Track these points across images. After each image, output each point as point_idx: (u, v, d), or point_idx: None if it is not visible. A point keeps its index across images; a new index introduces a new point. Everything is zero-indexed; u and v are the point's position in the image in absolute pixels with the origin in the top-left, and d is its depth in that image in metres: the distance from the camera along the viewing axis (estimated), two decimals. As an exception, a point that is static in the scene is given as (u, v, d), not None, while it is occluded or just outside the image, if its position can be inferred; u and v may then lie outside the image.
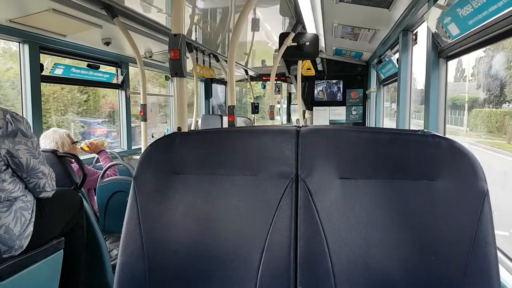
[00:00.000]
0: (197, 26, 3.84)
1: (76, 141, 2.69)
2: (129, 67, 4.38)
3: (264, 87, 8.01)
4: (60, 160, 2.19)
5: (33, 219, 1.78)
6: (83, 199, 2.18)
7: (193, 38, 4.11)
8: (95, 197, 2.82)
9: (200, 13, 3.45)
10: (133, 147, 4.58)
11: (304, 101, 6.10)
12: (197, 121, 5.96)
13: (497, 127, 3.59)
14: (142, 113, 3.61)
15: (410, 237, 0.87)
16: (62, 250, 1.97)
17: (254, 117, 7.49)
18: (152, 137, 5.18)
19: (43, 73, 3.09)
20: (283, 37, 3.66)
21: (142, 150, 3.82)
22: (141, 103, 3.63)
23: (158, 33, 3.60)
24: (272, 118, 4.34)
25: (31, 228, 1.77)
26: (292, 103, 8.09)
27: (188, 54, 4.17)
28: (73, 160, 2.34)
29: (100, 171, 2.82)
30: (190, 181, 0.99)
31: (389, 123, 5.09)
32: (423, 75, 2.52)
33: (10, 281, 1.66)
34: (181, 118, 1.74)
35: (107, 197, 2.73)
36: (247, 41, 4.68)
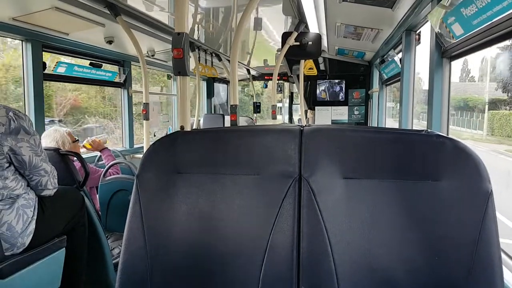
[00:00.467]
0: (200, 25, 3.84)
1: (77, 139, 2.70)
2: (131, 65, 4.39)
3: (266, 86, 8.00)
4: (63, 158, 2.19)
5: (35, 217, 1.79)
6: (85, 197, 2.18)
7: (195, 37, 4.11)
8: (97, 196, 2.83)
9: (202, 12, 3.44)
10: (135, 146, 4.59)
11: (306, 101, 6.09)
12: (199, 120, 5.96)
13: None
14: (145, 112, 3.61)
15: (414, 237, 0.87)
16: (64, 248, 1.97)
17: (255, 117, 7.49)
18: (154, 135, 5.18)
19: (46, 71, 3.09)
20: (285, 36, 3.65)
21: (145, 149, 3.83)
22: (143, 102, 3.63)
23: (161, 32, 3.59)
24: (274, 117, 4.34)
25: (33, 226, 1.77)
26: (293, 102, 8.08)
27: (190, 53, 4.17)
28: (75, 158, 2.34)
29: (102, 169, 2.82)
30: (192, 180, 0.99)
31: (393, 124, 5.07)
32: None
33: (12, 279, 1.66)
34: (184, 117, 1.73)
35: (109, 196, 2.73)
36: (249, 40, 4.67)
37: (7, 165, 1.70)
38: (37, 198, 1.83)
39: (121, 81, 4.29)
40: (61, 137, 2.58)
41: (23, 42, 2.92)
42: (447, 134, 2.35)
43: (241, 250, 0.93)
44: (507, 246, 1.57)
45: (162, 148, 1.03)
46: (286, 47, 3.61)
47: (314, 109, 6.21)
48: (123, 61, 4.25)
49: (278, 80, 6.72)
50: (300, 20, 3.57)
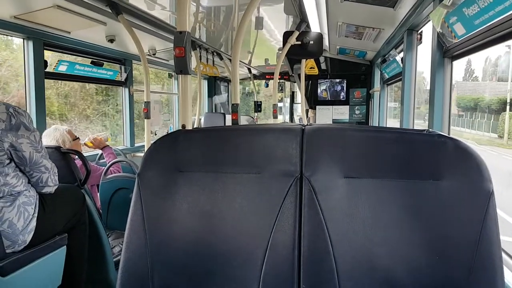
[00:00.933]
0: (201, 24, 3.84)
1: (78, 138, 2.70)
2: (133, 64, 4.39)
3: (267, 85, 8.00)
4: (64, 156, 2.20)
5: (36, 214, 1.79)
6: (86, 195, 2.18)
7: (197, 36, 4.11)
8: (98, 194, 2.83)
9: (204, 11, 3.44)
10: (136, 144, 4.59)
11: (307, 100, 6.08)
12: (200, 119, 5.96)
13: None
14: (146, 111, 3.62)
15: (415, 237, 0.87)
16: (65, 246, 1.97)
17: (256, 116, 7.49)
18: (155, 134, 5.19)
19: (47, 69, 3.10)
20: (287, 35, 3.65)
21: (146, 148, 3.83)
22: (145, 100, 3.63)
23: (162, 31, 3.60)
24: (275, 117, 4.35)
25: (34, 223, 1.78)
26: (294, 102, 8.08)
27: (191, 52, 4.17)
28: (76, 156, 2.35)
29: (103, 167, 2.83)
30: (194, 178, 0.99)
31: (395, 125, 5.06)
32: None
33: (13, 277, 1.67)
34: (185, 116, 1.74)
35: (110, 194, 2.73)
36: (250, 39, 4.67)
37: (7, 161, 1.70)
38: (38, 196, 1.84)
39: (122, 80, 4.30)
40: (61, 136, 2.59)
41: (25, 40, 2.92)
42: (449, 134, 2.35)
43: (242, 249, 0.93)
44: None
45: (163, 146, 1.03)
46: (288, 46, 3.61)
47: (315, 109, 6.21)
48: (124, 60, 4.26)
49: (279, 79, 6.72)
50: (301, 19, 3.56)
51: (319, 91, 6.17)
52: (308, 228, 0.91)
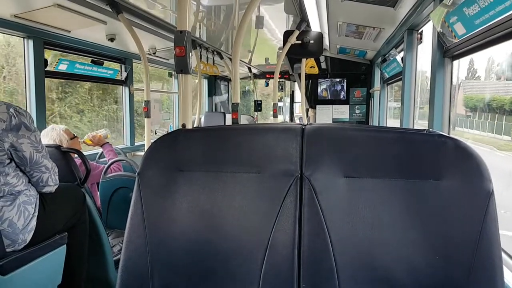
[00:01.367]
0: (202, 23, 3.84)
1: (76, 136, 2.69)
2: (133, 63, 4.39)
3: (267, 85, 8.00)
4: (64, 155, 2.20)
5: (36, 214, 1.79)
6: (86, 194, 2.18)
7: (197, 35, 4.11)
8: (98, 193, 2.83)
9: (204, 10, 3.44)
10: (136, 143, 4.60)
11: (307, 99, 6.09)
12: (200, 118, 5.96)
13: None
14: (146, 110, 3.62)
15: (415, 237, 0.87)
16: (65, 245, 1.98)
17: (256, 115, 7.49)
18: (155, 133, 5.19)
19: (47, 68, 3.10)
20: (287, 35, 3.65)
21: (146, 147, 3.83)
22: (145, 99, 3.63)
23: (163, 30, 3.60)
24: (275, 116, 4.34)
25: (34, 222, 1.78)
26: (294, 101, 8.08)
27: (192, 51, 4.17)
28: (76, 155, 2.35)
29: (103, 165, 2.83)
30: (194, 178, 0.99)
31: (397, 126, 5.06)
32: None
33: (13, 275, 1.67)
34: (186, 115, 1.74)
35: (110, 193, 2.73)
36: (251, 38, 4.67)
37: (8, 161, 1.70)
38: (38, 195, 1.84)
39: (123, 79, 4.30)
40: (58, 136, 2.58)
41: (25, 39, 2.92)
42: (449, 133, 2.35)
43: (242, 248, 0.94)
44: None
45: (163, 146, 1.03)
46: (288, 45, 3.61)
47: (315, 108, 6.21)
48: (124, 59, 4.25)
49: (279, 78, 6.72)
50: (301, 18, 3.56)
51: (319, 90, 6.17)
52: (308, 228, 0.91)
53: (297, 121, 7.67)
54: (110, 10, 2.79)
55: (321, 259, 0.89)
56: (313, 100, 6.20)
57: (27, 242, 1.76)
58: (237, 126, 1.07)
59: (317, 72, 5.45)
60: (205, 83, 7.19)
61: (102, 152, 3.24)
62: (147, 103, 3.61)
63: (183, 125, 1.70)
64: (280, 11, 3.54)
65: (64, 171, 2.14)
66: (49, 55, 3.18)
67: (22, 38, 2.92)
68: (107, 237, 2.31)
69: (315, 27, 3.96)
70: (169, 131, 1.14)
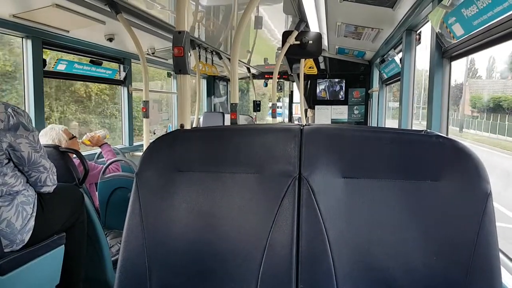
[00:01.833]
0: (200, 23, 3.84)
1: (75, 136, 2.69)
2: (132, 63, 4.39)
3: (266, 85, 8.00)
4: (62, 155, 2.19)
5: (34, 214, 1.79)
6: (85, 194, 2.18)
7: (196, 35, 4.10)
8: (97, 193, 2.83)
9: (203, 10, 3.44)
10: (134, 144, 4.59)
11: (306, 100, 6.09)
12: (199, 118, 5.96)
13: None
14: (144, 110, 3.61)
15: (413, 237, 0.87)
16: (63, 245, 1.97)
17: (255, 115, 7.49)
18: (154, 133, 5.18)
19: (46, 68, 3.09)
20: (286, 35, 3.65)
21: (144, 147, 3.83)
22: (143, 99, 3.63)
23: (161, 30, 3.59)
24: (274, 116, 4.34)
25: (32, 223, 1.77)
26: (293, 101, 8.08)
27: (191, 51, 4.17)
28: (74, 155, 2.34)
29: (101, 165, 2.82)
30: (192, 178, 0.99)
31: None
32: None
33: (11, 276, 1.67)
34: (184, 115, 1.73)
35: (108, 193, 2.73)
36: (250, 38, 4.67)
37: (6, 161, 1.70)
38: (36, 195, 1.83)
39: (121, 79, 4.29)
40: (57, 135, 2.57)
41: (23, 39, 2.91)
42: (447, 134, 2.36)
43: (240, 248, 0.94)
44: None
45: (162, 146, 1.03)
46: (287, 46, 3.61)
47: (314, 108, 6.21)
48: (123, 59, 4.25)
49: (278, 78, 6.72)
50: (300, 19, 3.57)
51: (318, 90, 6.17)
52: (306, 228, 0.91)
53: (296, 122, 7.68)
54: (109, 10, 2.79)
55: (319, 260, 0.89)
56: (312, 100, 6.20)
57: (25, 242, 1.76)
58: (235, 127, 1.07)
59: (316, 73, 5.45)
60: (204, 83, 7.19)
61: (101, 152, 3.23)
62: (146, 103, 3.61)
63: (181, 126, 1.70)
64: (279, 12, 3.54)
65: (62, 171, 2.14)
66: (47, 55, 3.17)
67: (21, 38, 2.91)
68: (105, 237, 2.31)
69: (314, 27, 3.96)
70: (168, 131, 1.14)
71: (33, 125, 1.80)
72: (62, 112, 6.31)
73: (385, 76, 4.56)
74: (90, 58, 3.74)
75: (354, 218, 0.90)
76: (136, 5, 2.93)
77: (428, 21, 2.51)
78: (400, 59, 3.48)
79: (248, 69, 6.86)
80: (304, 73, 4.73)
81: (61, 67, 3.34)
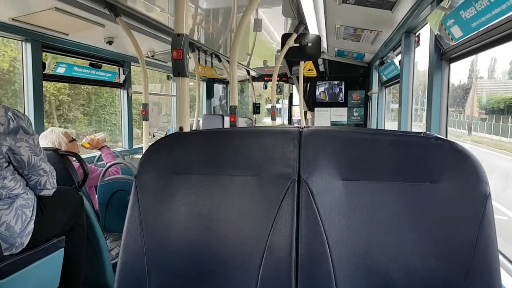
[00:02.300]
0: (200, 26, 3.85)
1: (74, 139, 2.69)
2: (131, 66, 4.39)
3: (266, 87, 8.01)
4: (61, 158, 2.19)
5: (33, 217, 1.79)
6: (84, 197, 2.18)
7: (195, 38, 4.11)
8: (96, 196, 2.83)
9: (202, 13, 3.45)
10: (134, 146, 4.59)
11: (305, 102, 6.09)
12: (199, 121, 5.96)
13: None
14: (144, 113, 3.62)
15: (412, 239, 0.87)
16: (62, 248, 1.97)
17: (255, 118, 7.49)
18: (153, 136, 5.19)
19: (45, 71, 3.10)
20: (285, 37, 3.66)
21: (144, 150, 3.83)
22: (143, 102, 3.63)
23: (161, 33, 3.60)
24: (273, 118, 4.35)
25: (31, 226, 1.77)
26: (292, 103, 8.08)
27: (190, 54, 4.18)
28: (74, 158, 2.34)
29: (101, 168, 2.82)
30: (191, 181, 0.99)
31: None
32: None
33: (10, 279, 1.66)
34: (183, 118, 1.74)
35: (108, 196, 2.73)
36: (249, 41, 4.68)
37: (6, 164, 1.70)
38: (36, 198, 1.83)
39: (121, 82, 4.30)
40: (57, 138, 2.57)
41: (23, 42, 2.92)
42: (446, 136, 2.36)
43: (240, 251, 0.94)
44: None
45: (161, 149, 1.03)
46: (286, 48, 3.62)
47: (313, 110, 6.22)
48: (122, 62, 4.26)
49: (277, 81, 6.73)
50: (299, 21, 3.57)
51: (317, 93, 6.18)
52: (306, 231, 0.91)
53: (296, 124, 7.68)
54: (108, 13, 2.79)
55: (319, 262, 0.89)
56: (311, 102, 6.20)
57: (25, 245, 1.76)
58: (234, 129, 1.07)
59: (315, 75, 5.46)
60: (203, 85, 7.19)
61: (100, 155, 3.23)
62: (145, 106, 3.61)
63: (180, 128, 1.70)
64: (278, 14, 3.55)
65: (62, 174, 2.13)
66: (46, 58, 3.18)
67: (20, 41, 2.92)
68: (105, 240, 2.30)
69: (313, 30, 3.97)
70: (167, 134, 1.14)
71: (33, 128, 1.80)
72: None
73: (384, 78, 4.57)
74: (89, 61, 3.74)
75: (354, 220, 0.89)
76: (136, 8, 2.94)
77: (426, 23, 2.52)
78: (399, 61, 3.48)
79: (248, 71, 6.87)
80: (304, 76, 4.74)
81: (61, 70, 3.35)
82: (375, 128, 5.21)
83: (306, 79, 5.83)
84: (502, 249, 1.56)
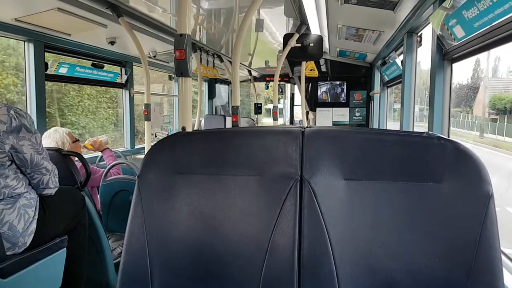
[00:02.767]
0: (202, 27, 3.85)
1: (78, 139, 2.70)
2: (133, 66, 4.40)
3: (268, 87, 8.01)
4: (64, 158, 2.20)
5: (36, 216, 1.79)
6: (86, 197, 2.18)
7: (197, 38, 4.12)
8: (98, 196, 2.83)
9: (204, 13, 3.45)
10: (136, 146, 4.60)
11: (307, 102, 6.09)
12: (200, 121, 5.97)
13: None
14: (146, 113, 3.62)
15: (414, 239, 0.87)
16: (65, 248, 1.97)
17: (257, 118, 7.49)
18: (156, 136, 5.19)
19: (48, 71, 3.11)
20: (287, 38, 3.66)
21: (146, 150, 3.83)
22: (145, 102, 3.64)
23: (163, 33, 3.61)
24: (275, 119, 4.35)
25: (34, 225, 1.78)
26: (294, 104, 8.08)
27: (192, 54, 4.18)
28: (76, 158, 2.35)
29: (103, 169, 2.83)
30: (194, 181, 0.99)
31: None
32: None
33: (13, 279, 1.67)
34: (186, 118, 1.74)
35: (110, 196, 2.73)
36: (251, 41, 4.68)
37: (8, 163, 1.70)
38: (38, 198, 1.84)
39: (123, 82, 4.31)
40: (60, 138, 2.59)
41: (25, 43, 2.93)
42: (448, 136, 2.35)
43: (242, 251, 0.94)
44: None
45: (163, 148, 1.03)
46: (288, 48, 3.62)
47: (315, 111, 6.22)
48: (125, 62, 4.26)
49: (279, 81, 6.72)
50: (301, 21, 3.57)
51: (319, 93, 6.18)
52: (308, 231, 0.91)
53: (298, 124, 7.67)
54: (111, 13, 2.80)
55: (321, 262, 0.89)
56: (313, 103, 6.20)
57: (27, 245, 1.76)
58: (237, 129, 1.07)
59: (317, 75, 5.46)
60: (205, 86, 7.20)
61: (102, 155, 3.24)
62: (147, 106, 3.62)
63: (183, 128, 1.71)
64: (280, 14, 3.55)
65: (64, 174, 2.14)
66: (48, 59, 3.18)
67: (23, 42, 2.92)
68: (107, 240, 2.31)
69: (315, 30, 3.97)
70: (170, 134, 1.15)
71: (35, 127, 1.81)
72: None
73: (387, 78, 4.57)
74: (91, 62, 3.75)
75: (356, 220, 0.90)
76: (138, 8, 2.94)
77: (429, 23, 2.51)
78: (401, 61, 3.48)
79: (249, 71, 6.87)
80: (305, 76, 4.74)
81: (63, 71, 3.36)
82: (377, 128, 5.20)
83: (308, 79, 5.83)
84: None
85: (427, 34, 2.96)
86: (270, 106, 4.83)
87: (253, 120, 7.25)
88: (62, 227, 1.96)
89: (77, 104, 6.51)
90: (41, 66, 2.99)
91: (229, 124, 5.94)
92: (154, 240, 0.98)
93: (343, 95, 6.09)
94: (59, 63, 3.30)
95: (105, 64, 3.91)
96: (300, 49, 3.70)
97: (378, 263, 0.88)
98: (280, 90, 8.23)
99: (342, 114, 6.13)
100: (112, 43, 3.60)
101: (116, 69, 4.24)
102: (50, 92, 5.91)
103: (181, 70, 1.65)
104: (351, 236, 0.89)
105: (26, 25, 2.74)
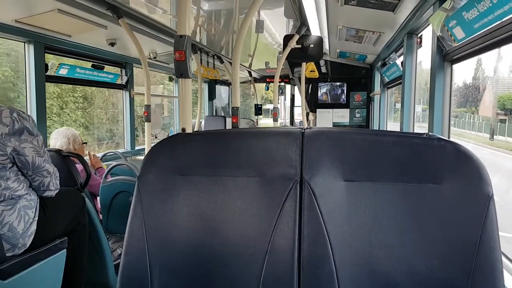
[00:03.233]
0: (202, 28, 3.85)
1: (85, 142, 2.73)
2: (133, 67, 4.40)
3: (268, 88, 8.01)
4: (64, 160, 2.20)
5: (36, 218, 1.79)
6: (86, 198, 2.18)
7: (197, 39, 4.12)
8: (98, 197, 2.83)
9: (204, 14, 3.45)
10: (136, 148, 4.60)
11: (307, 103, 6.10)
12: (201, 122, 5.97)
13: None
14: (146, 114, 3.63)
15: (414, 240, 0.87)
16: (65, 249, 1.97)
17: (257, 119, 7.49)
18: (156, 137, 5.19)
19: (48, 73, 3.11)
20: (287, 39, 3.66)
21: (146, 151, 3.83)
22: (145, 103, 3.64)
23: (163, 34, 3.61)
24: (275, 120, 4.35)
25: (34, 227, 1.77)
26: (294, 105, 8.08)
27: (192, 55, 4.19)
28: (77, 160, 2.35)
29: (100, 179, 2.84)
30: (194, 182, 0.99)
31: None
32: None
33: (13, 280, 1.67)
34: (186, 119, 1.74)
35: (110, 197, 2.73)
36: (251, 42, 4.69)
37: (10, 165, 1.70)
38: (38, 199, 1.84)
39: (123, 83, 4.31)
40: (72, 136, 2.65)
41: (26, 44, 2.93)
42: (448, 137, 2.35)
43: (242, 252, 0.94)
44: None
45: (163, 150, 1.03)
46: (288, 49, 3.62)
47: (315, 112, 6.22)
48: (125, 63, 4.27)
49: (279, 82, 6.73)
50: (301, 23, 3.58)
51: (319, 94, 6.18)
52: (308, 232, 0.91)
53: (298, 125, 7.67)
54: (111, 15, 2.80)
55: (321, 263, 0.89)
56: (313, 104, 6.20)
57: (27, 246, 1.76)
58: (237, 130, 1.07)
59: (317, 76, 5.46)
60: (205, 87, 7.20)
61: (102, 156, 3.25)
62: (148, 107, 3.62)
63: (183, 129, 1.71)
64: (280, 16, 3.55)
65: (64, 176, 2.14)
66: (48, 60, 3.19)
67: (23, 43, 2.93)
68: (107, 241, 2.31)
69: (315, 31, 3.97)
70: (170, 135, 1.15)
71: (37, 129, 1.81)
72: None
73: (387, 80, 4.57)
74: (91, 63, 3.75)
75: (356, 221, 0.89)
76: (138, 9, 2.94)
77: (429, 24, 2.52)
78: (401, 63, 3.48)
79: (250, 73, 6.88)
80: (306, 77, 4.74)
81: (63, 72, 3.36)
82: (377, 129, 5.20)
83: (308, 80, 5.83)
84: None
85: (427, 36, 2.96)
86: (270, 106, 4.82)
87: (253, 121, 7.25)
88: (62, 228, 1.96)
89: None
90: (41, 67, 3.00)
91: (229, 125, 5.95)
92: (154, 241, 0.98)
93: (343, 96, 6.10)
94: (59, 64, 3.30)
95: (105, 66, 3.92)
96: (300, 50, 3.71)
97: (378, 264, 0.88)
98: (281, 91, 8.22)
99: (342, 115, 6.13)
100: (112, 44, 3.60)
101: (117, 70, 4.24)
102: (3, 89, 5.48)
103: (181, 71, 1.65)
104: (351, 237, 0.89)
105: (26, 26, 2.74)
